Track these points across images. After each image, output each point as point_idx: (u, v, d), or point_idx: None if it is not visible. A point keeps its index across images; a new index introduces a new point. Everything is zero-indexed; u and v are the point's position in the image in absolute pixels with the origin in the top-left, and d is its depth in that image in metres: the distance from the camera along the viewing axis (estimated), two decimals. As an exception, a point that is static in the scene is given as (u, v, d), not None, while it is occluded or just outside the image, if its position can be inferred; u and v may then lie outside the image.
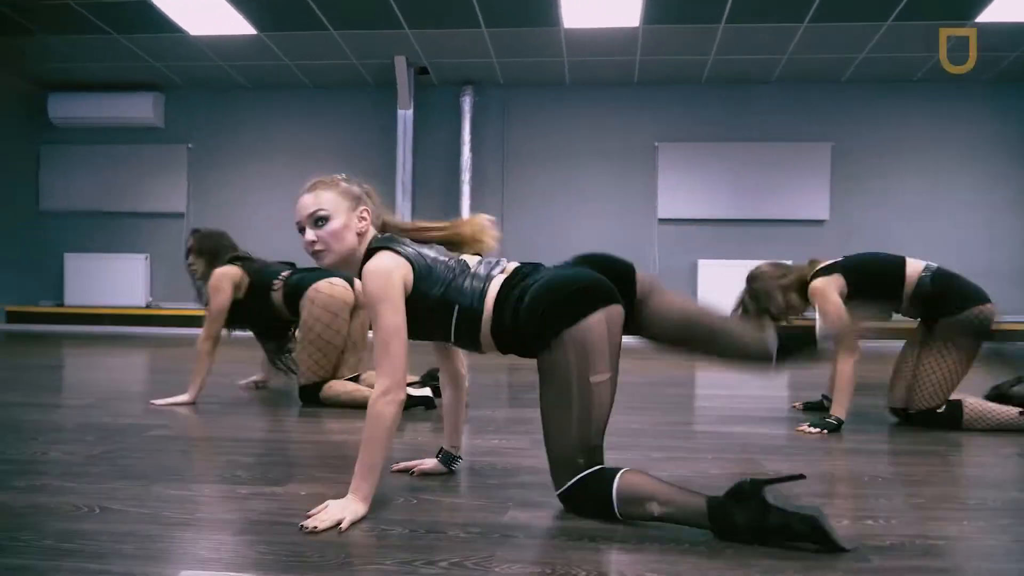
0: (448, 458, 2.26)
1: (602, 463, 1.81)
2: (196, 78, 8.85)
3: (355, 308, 3.62)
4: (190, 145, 9.16)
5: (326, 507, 1.78)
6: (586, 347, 1.78)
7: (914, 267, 3.13)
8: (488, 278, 1.94)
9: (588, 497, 1.79)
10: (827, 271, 3.20)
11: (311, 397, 3.51)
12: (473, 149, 8.64)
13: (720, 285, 8.25)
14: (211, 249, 3.70)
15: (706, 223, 8.64)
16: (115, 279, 8.99)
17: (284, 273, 3.69)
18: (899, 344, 3.36)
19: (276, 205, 9.13)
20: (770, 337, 2.04)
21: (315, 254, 1.96)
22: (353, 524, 1.74)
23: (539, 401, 1.87)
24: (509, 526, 1.78)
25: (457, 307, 1.91)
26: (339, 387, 3.49)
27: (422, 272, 1.90)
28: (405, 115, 8.38)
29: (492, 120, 8.84)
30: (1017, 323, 7.31)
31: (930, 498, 2.11)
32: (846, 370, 3.04)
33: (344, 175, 2.09)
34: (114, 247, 9.18)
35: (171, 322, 8.62)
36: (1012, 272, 8.19)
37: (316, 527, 1.69)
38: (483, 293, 1.91)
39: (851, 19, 6.85)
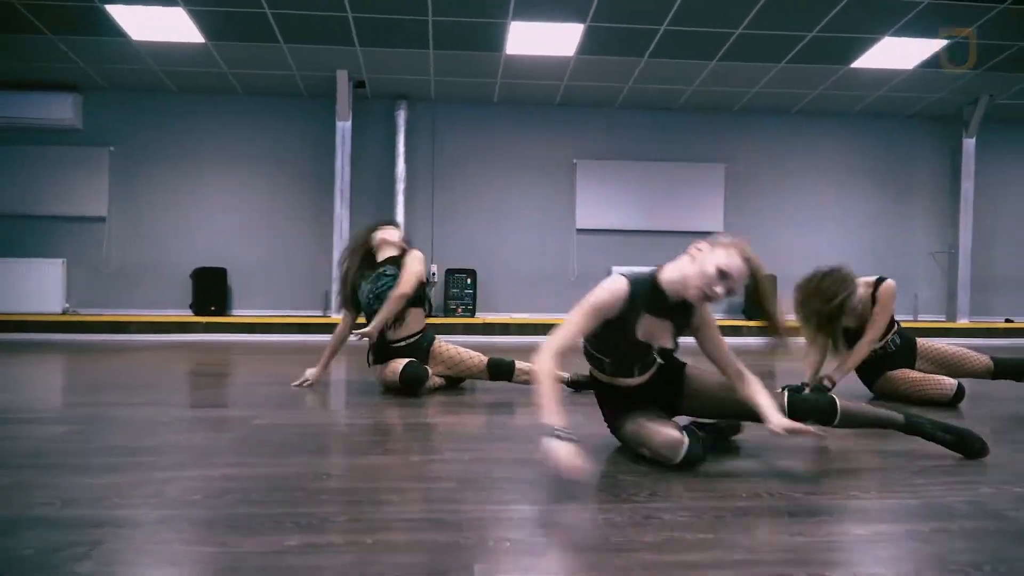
0: None
1: None
2: (119, 80, 8.73)
3: None
4: (112, 148, 9.00)
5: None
6: None
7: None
8: None
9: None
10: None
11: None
12: (407, 160, 9.10)
13: (631, 289, 9.18)
14: None
15: (618, 233, 9.57)
16: (29, 285, 8.66)
17: None
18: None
19: (203, 210, 9.16)
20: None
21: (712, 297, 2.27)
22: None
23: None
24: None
25: None
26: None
27: None
28: (344, 126, 8.71)
29: (423, 133, 9.34)
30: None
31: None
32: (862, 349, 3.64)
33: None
34: (29, 251, 8.85)
35: (90, 328, 8.38)
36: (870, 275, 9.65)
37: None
38: None
39: (754, 59, 7.94)
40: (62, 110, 8.67)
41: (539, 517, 1.85)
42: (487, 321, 8.59)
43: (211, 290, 8.80)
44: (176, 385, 4.37)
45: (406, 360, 3.77)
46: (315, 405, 3.61)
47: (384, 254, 4.05)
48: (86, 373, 4.88)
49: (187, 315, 8.75)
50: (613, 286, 2.25)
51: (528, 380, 3.99)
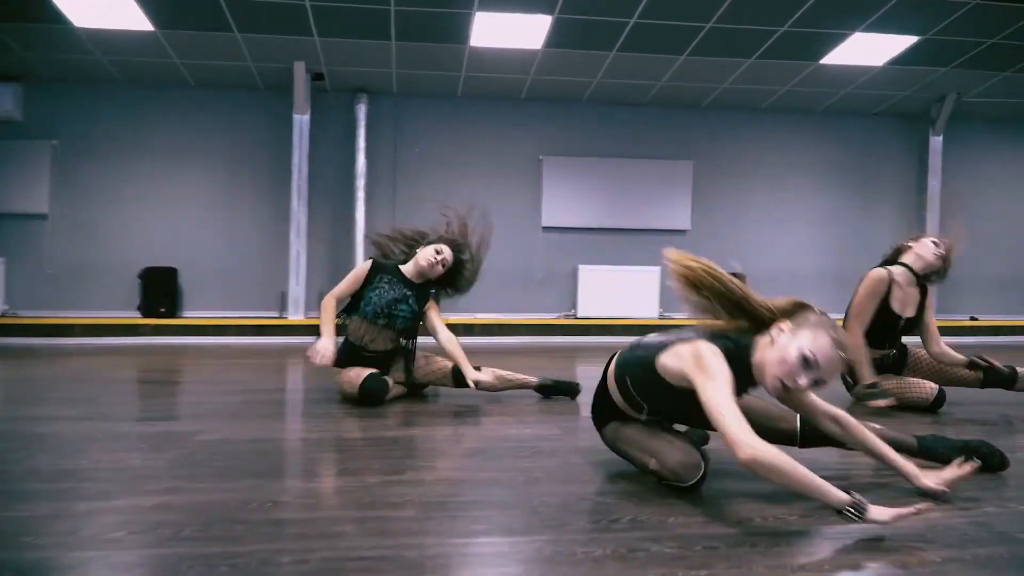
0: None
1: None
2: (62, 70, 8.28)
3: None
4: (54, 142, 8.54)
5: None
6: None
7: None
8: None
9: None
10: None
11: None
12: (367, 156, 8.80)
13: (598, 287, 9.04)
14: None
15: (585, 231, 9.37)
16: (-34, 285, 8.21)
17: None
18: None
19: (153, 207, 8.77)
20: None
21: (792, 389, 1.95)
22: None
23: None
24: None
25: None
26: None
27: None
28: (301, 120, 8.37)
29: (384, 128, 9.03)
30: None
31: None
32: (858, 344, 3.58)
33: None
34: (-35, 250, 8.39)
35: (30, 331, 7.91)
36: (837, 272, 9.60)
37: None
38: None
39: (724, 55, 7.81)
40: (3, 101, 8.20)
41: (511, 552, 1.64)
42: (449, 321, 8.27)
43: (161, 290, 8.39)
44: (119, 394, 4.08)
45: (367, 372, 3.54)
46: (269, 416, 3.36)
47: (409, 271, 3.77)
48: (22, 381, 4.56)
49: (135, 317, 8.35)
50: (719, 356, 1.96)
51: (494, 387, 3.79)
